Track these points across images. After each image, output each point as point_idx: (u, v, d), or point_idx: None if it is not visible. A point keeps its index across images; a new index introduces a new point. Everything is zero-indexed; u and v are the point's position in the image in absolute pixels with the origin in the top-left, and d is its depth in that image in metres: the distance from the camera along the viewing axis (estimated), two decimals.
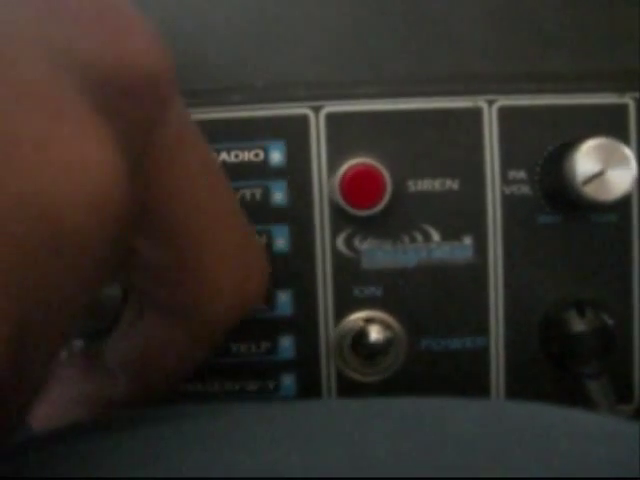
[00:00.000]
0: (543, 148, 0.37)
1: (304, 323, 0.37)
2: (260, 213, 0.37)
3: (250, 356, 0.37)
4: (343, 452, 0.24)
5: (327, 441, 0.25)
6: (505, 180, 0.37)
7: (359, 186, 0.36)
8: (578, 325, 0.36)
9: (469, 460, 0.24)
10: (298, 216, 0.37)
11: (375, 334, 0.36)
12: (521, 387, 0.37)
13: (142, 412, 0.31)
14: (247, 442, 0.25)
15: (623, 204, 0.36)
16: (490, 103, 0.37)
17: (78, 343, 0.37)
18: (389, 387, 0.37)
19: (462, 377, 0.37)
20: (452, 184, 0.37)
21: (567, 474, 0.23)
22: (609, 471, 0.23)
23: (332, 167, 0.37)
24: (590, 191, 0.33)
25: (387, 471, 0.23)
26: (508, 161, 0.37)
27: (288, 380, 0.38)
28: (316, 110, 0.37)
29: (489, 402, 0.35)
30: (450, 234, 0.37)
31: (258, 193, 0.37)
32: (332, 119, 0.37)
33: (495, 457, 0.24)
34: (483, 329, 0.37)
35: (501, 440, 0.25)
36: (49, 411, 0.32)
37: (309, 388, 0.37)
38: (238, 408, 0.31)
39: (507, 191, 0.37)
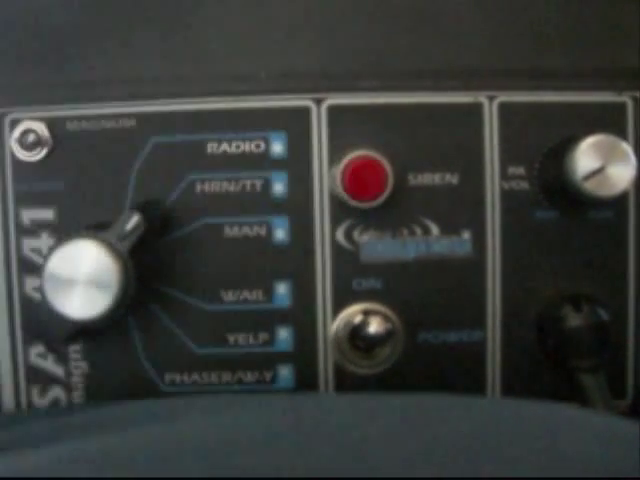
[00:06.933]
0: (542, 144, 0.37)
1: (302, 315, 0.37)
2: (260, 204, 0.37)
3: (248, 347, 0.37)
4: (342, 451, 0.24)
5: (326, 440, 0.25)
6: (504, 175, 0.37)
7: (361, 178, 0.36)
8: (574, 320, 0.36)
9: (469, 461, 0.24)
10: (298, 208, 0.37)
11: (373, 327, 0.36)
12: (517, 381, 0.38)
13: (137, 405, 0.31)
14: (245, 442, 0.25)
15: (620, 200, 0.36)
16: (491, 99, 0.37)
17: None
18: (386, 379, 0.37)
19: (458, 370, 0.38)
20: (452, 178, 0.37)
21: (567, 474, 0.23)
22: (609, 472, 0.23)
23: (333, 159, 0.37)
24: (590, 187, 0.34)
25: (386, 472, 0.23)
26: (507, 157, 0.37)
27: (285, 372, 0.38)
28: (318, 102, 0.37)
29: (489, 400, 0.35)
30: (449, 228, 0.37)
31: (259, 184, 0.37)
32: (334, 111, 0.37)
33: (495, 458, 0.24)
34: (480, 323, 0.37)
35: (501, 440, 0.25)
36: None
37: (306, 380, 0.37)
38: (234, 403, 0.31)
39: (506, 186, 0.37)
